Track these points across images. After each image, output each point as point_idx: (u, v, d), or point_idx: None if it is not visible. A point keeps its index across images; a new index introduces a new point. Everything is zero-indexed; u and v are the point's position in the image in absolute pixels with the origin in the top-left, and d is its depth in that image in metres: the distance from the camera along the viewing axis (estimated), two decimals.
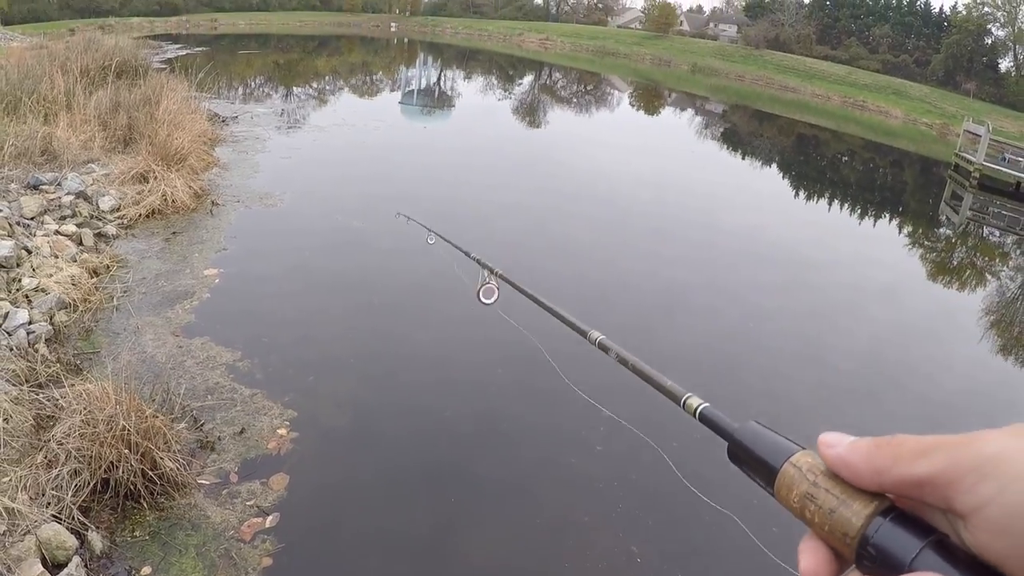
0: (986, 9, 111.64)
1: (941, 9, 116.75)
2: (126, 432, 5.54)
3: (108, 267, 9.86)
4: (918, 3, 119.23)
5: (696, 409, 0.96)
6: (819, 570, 0.72)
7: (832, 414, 9.26)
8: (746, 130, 49.00)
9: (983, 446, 0.60)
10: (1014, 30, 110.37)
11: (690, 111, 54.96)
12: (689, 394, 1.01)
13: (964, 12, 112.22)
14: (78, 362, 7.53)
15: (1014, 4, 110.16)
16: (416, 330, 9.53)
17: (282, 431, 6.86)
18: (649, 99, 59.60)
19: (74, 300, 8.63)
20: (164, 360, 7.71)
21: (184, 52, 46.96)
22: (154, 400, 6.48)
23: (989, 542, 0.58)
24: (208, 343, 8.19)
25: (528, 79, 60.94)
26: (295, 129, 22.13)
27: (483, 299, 2.88)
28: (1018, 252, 26.03)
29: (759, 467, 0.77)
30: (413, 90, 42.98)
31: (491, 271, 2.88)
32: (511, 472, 7.04)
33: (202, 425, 6.73)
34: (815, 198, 27.38)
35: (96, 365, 7.42)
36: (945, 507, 0.63)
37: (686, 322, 11.26)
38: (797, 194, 27.65)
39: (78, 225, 10.74)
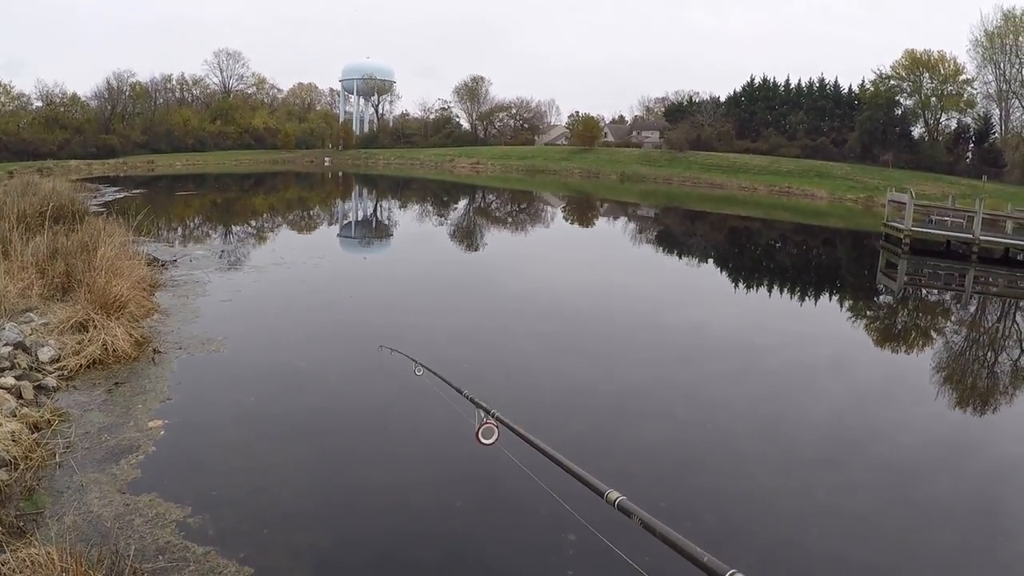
0: (892, 82, 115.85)
1: (850, 88, 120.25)
2: None
3: (49, 421, 9.53)
4: (828, 87, 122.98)
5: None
6: None
7: (799, 487, 9.20)
8: (679, 230, 49.70)
9: None
10: (921, 98, 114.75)
11: (623, 218, 55.85)
12: (733, 571, 0.93)
13: (872, 88, 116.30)
14: (20, 524, 7.17)
15: (917, 73, 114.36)
16: (375, 472, 9.29)
17: None
18: (582, 211, 60.49)
19: (14, 458, 8.29)
20: (111, 520, 7.37)
21: (122, 194, 47.04)
22: (102, 564, 6.14)
23: None
24: (156, 499, 7.86)
25: (462, 203, 61.73)
26: (235, 270, 21.99)
27: (483, 440, 2.76)
28: (958, 306, 26.59)
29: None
30: (351, 222, 43.11)
31: (487, 411, 2.76)
32: None
33: None
34: (754, 286, 27.66)
35: (40, 527, 7.08)
36: None
37: (640, 423, 11.19)
38: (736, 285, 27.92)
39: (16, 378, 10.40)
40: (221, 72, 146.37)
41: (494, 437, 2.63)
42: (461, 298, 20.45)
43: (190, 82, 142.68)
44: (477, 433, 2.68)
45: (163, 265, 20.90)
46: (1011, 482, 10.23)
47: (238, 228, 35.67)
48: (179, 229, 34.03)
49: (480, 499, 8.66)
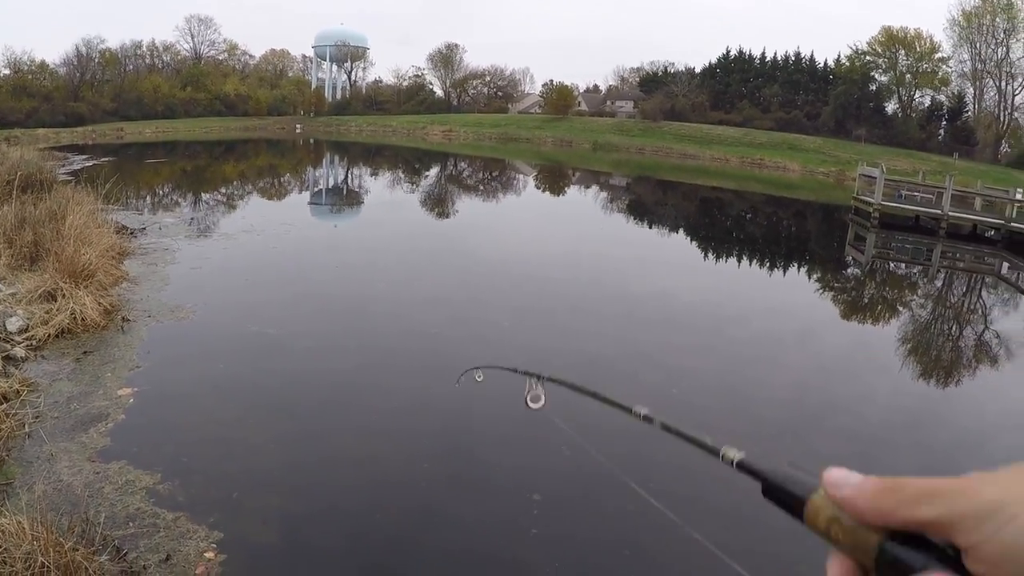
0: (868, 58, 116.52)
1: (826, 63, 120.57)
2: (45, 569, 5.30)
3: (18, 392, 9.47)
4: (804, 60, 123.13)
5: (733, 460, 1.04)
6: None
7: (759, 456, 9.29)
8: (651, 200, 49.85)
9: (980, 492, 0.66)
10: (896, 74, 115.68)
11: (594, 187, 55.81)
12: (726, 447, 1.06)
13: (848, 63, 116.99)
14: None
15: (893, 50, 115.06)
16: (346, 439, 9.34)
17: (209, 554, 6.60)
18: (554, 180, 60.44)
19: None
20: (81, 488, 7.38)
21: (90, 163, 46.46)
22: (73, 532, 6.18)
23: (986, 572, 0.64)
24: (126, 467, 7.87)
25: (434, 170, 61.45)
26: (204, 238, 21.87)
27: (531, 404, 2.78)
28: (924, 280, 26.94)
29: (791, 501, 0.87)
30: (321, 190, 42.93)
31: (539, 377, 2.79)
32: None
33: (125, 555, 6.43)
34: (724, 257, 27.86)
35: (10, 497, 7.09)
36: (946, 542, 0.70)
37: (608, 392, 11.21)
38: (706, 256, 28.12)
39: None
40: (192, 38, 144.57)
41: (541, 402, 2.67)
42: (431, 268, 20.41)
43: (161, 48, 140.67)
44: (526, 399, 2.73)
45: (132, 233, 20.73)
46: (972, 453, 10.42)
47: (208, 196, 35.44)
48: (148, 197, 33.73)
49: (445, 465, 8.73)
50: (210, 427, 9.26)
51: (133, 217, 24.34)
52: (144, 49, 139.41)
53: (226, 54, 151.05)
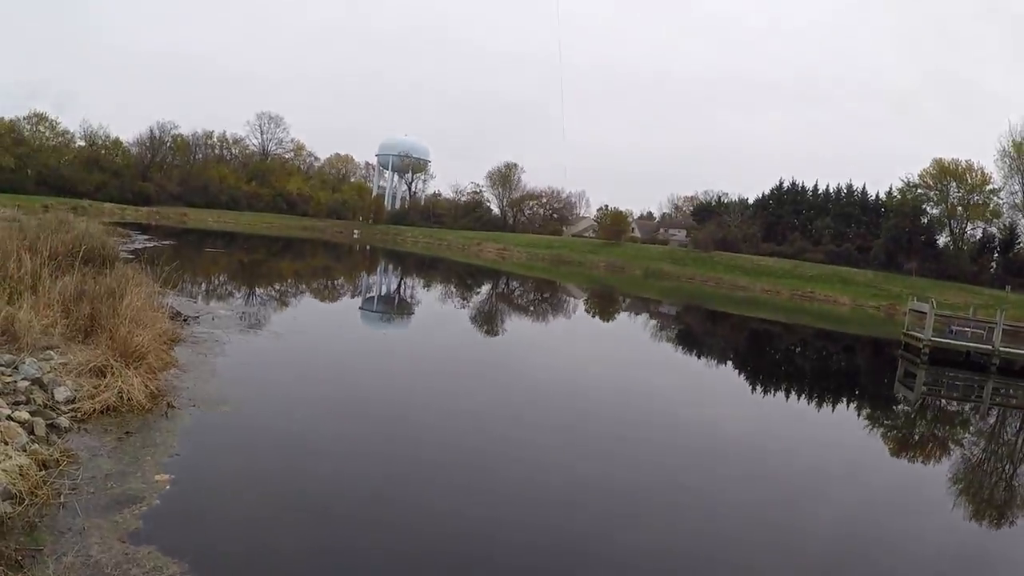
0: (919, 191, 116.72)
1: (877, 196, 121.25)
2: None
3: (58, 461, 9.57)
4: (855, 193, 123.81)
5: None
6: None
7: None
8: (700, 330, 49.67)
9: None
10: (947, 207, 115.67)
11: (644, 314, 55.80)
12: None
13: (899, 196, 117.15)
14: (19, 558, 7.21)
15: (944, 183, 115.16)
16: (375, 541, 9.33)
17: None
18: (604, 304, 60.54)
19: (20, 492, 8.35)
20: (109, 567, 7.39)
21: (152, 243, 47.55)
22: None
23: None
24: (155, 552, 7.86)
25: (486, 287, 61.78)
26: (255, 333, 22.07)
27: None
28: (976, 417, 26.49)
29: None
30: (374, 296, 43.28)
31: None
32: None
33: None
34: (772, 390, 27.59)
35: (37, 563, 7.11)
36: None
37: (647, 526, 11.07)
38: (754, 388, 27.84)
39: (31, 413, 10.50)
40: (262, 134, 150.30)
41: None
42: (476, 384, 20.39)
43: (230, 140, 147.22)
44: None
45: (185, 320, 21.01)
46: None
47: (262, 291, 35.94)
48: (204, 285, 34.35)
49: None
50: (242, 524, 9.28)
51: (188, 304, 24.70)
52: (215, 139, 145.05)
53: (292, 153, 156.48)
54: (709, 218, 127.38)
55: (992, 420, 27.10)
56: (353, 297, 42.21)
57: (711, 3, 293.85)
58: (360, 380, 18.78)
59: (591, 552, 9.73)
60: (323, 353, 21.33)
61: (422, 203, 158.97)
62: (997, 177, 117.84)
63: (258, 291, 35.20)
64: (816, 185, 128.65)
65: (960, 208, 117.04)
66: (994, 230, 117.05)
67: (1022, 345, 39.51)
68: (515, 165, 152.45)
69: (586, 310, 54.97)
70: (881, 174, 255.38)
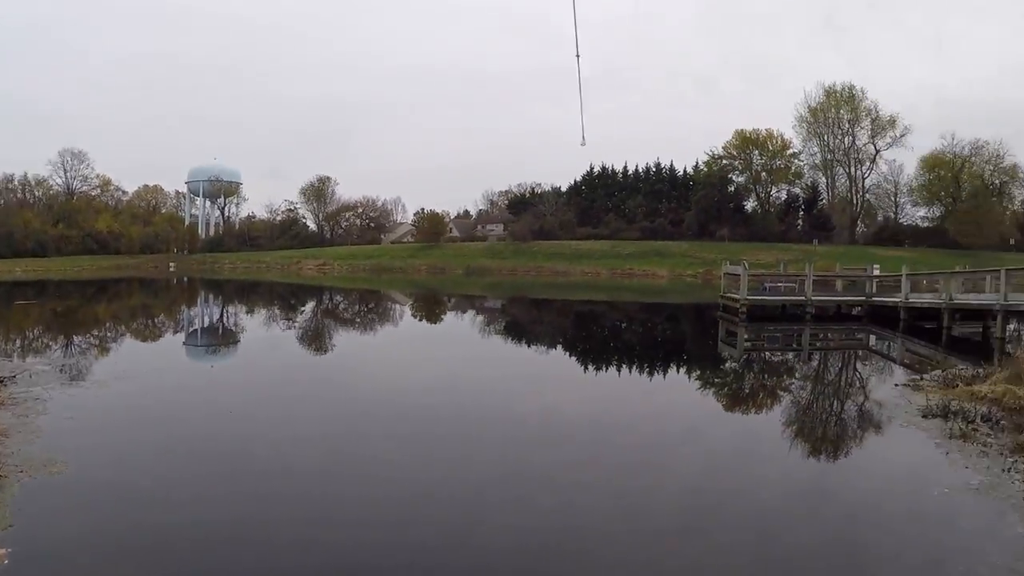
0: (724, 162, 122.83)
1: (685, 171, 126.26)
2: None
3: None
4: (664, 171, 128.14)
5: None
6: None
7: (661, 557, 9.42)
8: (527, 319, 50.48)
9: None
10: (751, 173, 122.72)
11: (471, 311, 56.31)
12: None
13: (706, 169, 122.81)
14: None
15: (747, 151, 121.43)
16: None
17: None
18: (430, 307, 60.86)
19: None
20: None
21: None
22: None
23: None
24: None
25: (310, 305, 61.18)
26: (77, 385, 21.11)
27: None
28: (799, 364, 27.96)
29: None
30: (196, 330, 42.22)
31: None
32: None
33: None
34: (604, 367, 28.25)
35: None
36: None
37: (501, 521, 11.17)
38: (586, 368, 28.45)
39: None
40: (65, 173, 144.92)
41: None
42: (311, 405, 20.08)
43: (33, 183, 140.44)
44: None
45: (1, 382, 20.14)
46: (866, 520, 10.71)
47: (80, 339, 34.47)
48: (18, 341, 32.76)
49: None
50: None
51: (1, 363, 23.61)
52: (16, 183, 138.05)
53: (99, 189, 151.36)
54: (525, 210, 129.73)
55: (814, 363, 28.75)
56: (176, 333, 40.97)
57: (519, 2, 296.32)
58: (194, 418, 18.16)
59: (444, 549, 9.80)
60: (152, 396, 20.63)
61: (237, 227, 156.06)
62: (797, 142, 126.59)
63: (76, 340, 33.80)
64: (626, 167, 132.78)
65: (764, 173, 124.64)
66: (798, 190, 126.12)
67: (831, 292, 42.02)
68: (328, 178, 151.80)
69: (413, 315, 55.16)
70: (690, 151, 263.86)
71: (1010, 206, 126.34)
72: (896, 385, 21.62)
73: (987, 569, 9.00)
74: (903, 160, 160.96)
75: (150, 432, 16.57)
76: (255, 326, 44.54)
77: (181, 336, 39.46)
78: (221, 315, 53.04)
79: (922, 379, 21.76)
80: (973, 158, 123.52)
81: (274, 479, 13.10)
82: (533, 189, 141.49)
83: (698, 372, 26.92)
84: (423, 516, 11.09)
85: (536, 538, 10.22)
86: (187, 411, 19.04)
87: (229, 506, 11.79)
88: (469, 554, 9.78)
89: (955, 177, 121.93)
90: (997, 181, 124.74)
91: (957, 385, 19.49)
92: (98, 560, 9.64)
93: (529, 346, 36.14)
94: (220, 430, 17.09)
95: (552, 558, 9.64)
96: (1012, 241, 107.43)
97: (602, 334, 41.31)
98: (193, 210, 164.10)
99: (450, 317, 53.54)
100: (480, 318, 51.59)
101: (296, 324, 45.52)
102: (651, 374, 26.86)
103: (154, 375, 23.76)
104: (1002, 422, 15.88)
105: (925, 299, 37.48)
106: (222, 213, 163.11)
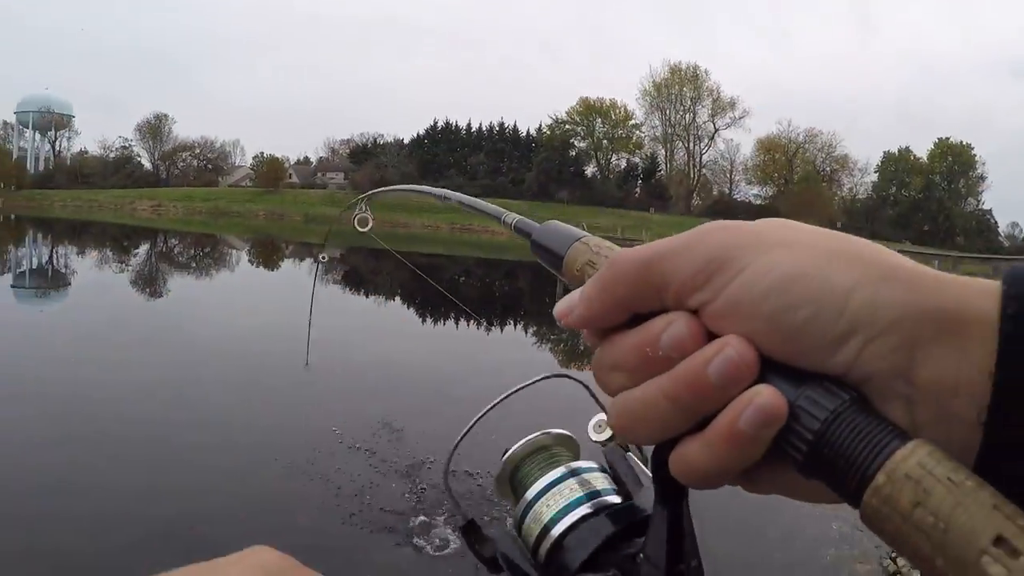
0: (567, 126, 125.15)
1: (528, 132, 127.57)
2: None
3: None
4: (507, 130, 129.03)
5: (512, 223, 1.21)
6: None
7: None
8: (365, 269, 50.47)
9: (703, 246, 0.59)
10: (593, 140, 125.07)
11: (308, 260, 56.02)
12: (506, 213, 1.30)
13: (549, 131, 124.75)
14: None
15: (591, 119, 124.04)
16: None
17: None
18: (267, 253, 60.12)
19: None
20: None
21: None
22: None
23: (722, 327, 0.57)
24: None
25: (144, 248, 59.68)
26: None
27: (359, 228, 3.03)
28: None
29: (551, 254, 0.89)
30: (25, 271, 40.97)
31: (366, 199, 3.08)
32: None
33: None
34: (442, 320, 28.71)
35: None
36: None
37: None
38: (424, 320, 28.93)
39: None
40: None
41: (369, 225, 3.02)
42: (146, 350, 19.88)
43: None
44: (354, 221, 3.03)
45: None
46: None
47: None
48: None
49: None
50: None
51: None
52: None
53: None
54: (367, 159, 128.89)
55: None
56: (2, 274, 39.74)
57: None
58: (23, 362, 17.87)
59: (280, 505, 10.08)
60: None
61: (68, 163, 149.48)
62: (639, 113, 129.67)
63: None
64: (470, 123, 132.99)
65: (605, 141, 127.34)
66: (637, 160, 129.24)
67: None
68: (165, 115, 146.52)
69: (249, 260, 54.61)
70: (533, 113, 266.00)
71: (839, 192, 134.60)
72: None
73: (816, 515, 9.56)
74: (740, 140, 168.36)
75: None
76: (87, 267, 43.45)
77: (8, 277, 38.25)
78: (51, 255, 51.43)
79: None
80: (807, 144, 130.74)
81: (108, 423, 12.95)
82: (375, 140, 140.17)
83: (534, 327, 27.75)
84: (258, 462, 11.37)
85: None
86: (15, 356, 18.64)
87: (63, 452, 11.46)
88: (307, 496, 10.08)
89: (789, 160, 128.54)
90: (828, 168, 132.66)
91: None
92: None
93: (367, 296, 36.44)
94: (51, 379, 16.80)
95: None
96: (839, 224, 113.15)
97: (440, 286, 41.78)
98: (22, 143, 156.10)
99: (287, 264, 53.26)
100: (316, 266, 51.46)
101: (130, 267, 44.57)
102: (490, 327, 27.48)
103: None
104: None
105: None
106: (53, 147, 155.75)
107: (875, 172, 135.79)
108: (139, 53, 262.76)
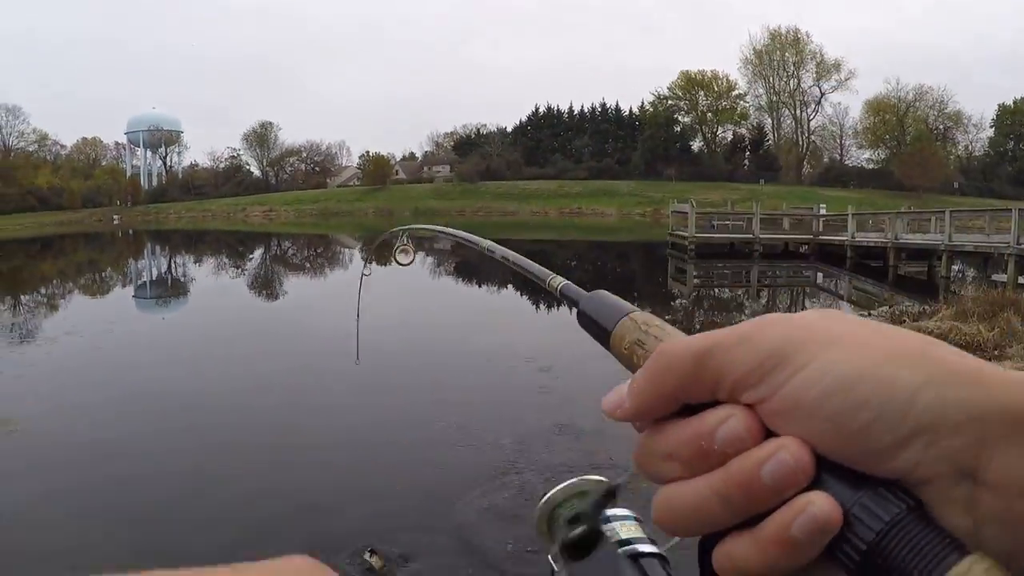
0: (670, 102, 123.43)
1: (631, 111, 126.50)
2: None
3: None
4: (610, 111, 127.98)
5: (557, 288, 1.12)
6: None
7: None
8: (476, 260, 50.36)
9: (763, 339, 0.58)
10: (697, 114, 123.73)
11: (421, 253, 56.11)
12: (552, 277, 1.19)
13: (652, 109, 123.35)
14: None
15: (693, 92, 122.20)
16: (195, 534, 9.15)
17: None
18: (379, 250, 60.21)
19: None
20: None
21: None
22: None
23: (780, 427, 0.57)
24: None
25: (258, 252, 60.63)
26: (26, 343, 20.98)
27: (400, 261, 2.95)
28: (747, 300, 28.39)
29: (597, 326, 0.86)
30: (145, 283, 41.79)
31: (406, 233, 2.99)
32: None
33: None
34: (557, 306, 28.35)
35: None
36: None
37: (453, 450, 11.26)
38: (537, 307, 28.56)
39: None
40: (0, 129, 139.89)
41: (410, 258, 2.87)
42: (266, 352, 19.85)
43: None
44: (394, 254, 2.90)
45: None
46: None
47: (27, 298, 34.01)
48: None
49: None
50: (58, 540, 8.89)
51: None
52: None
53: (36, 145, 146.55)
54: (471, 150, 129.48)
55: (763, 300, 29.11)
56: (124, 287, 40.45)
57: None
58: (147, 370, 17.92)
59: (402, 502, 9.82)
60: (103, 350, 20.38)
61: (180, 177, 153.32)
62: (742, 83, 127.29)
63: (23, 299, 33.38)
64: (571, 107, 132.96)
65: (710, 114, 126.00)
66: (743, 131, 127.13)
67: (778, 230, 42.52)
68: (271, 123, 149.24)
69: (362, 258, 54.95)
70: (633, 91, 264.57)
71: (954, 151, 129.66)
72: None
73: None
74: (848, 103, 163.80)
75: (104, 386, 16.39)
76: (204, 275, 44.22)
77: (130, 289, 39.03)
78: (169, 266, 52.52)
79: (869, 315, 22.12)
80: (917, 103, 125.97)
81: (233, 429, 13.11)
82: (479, 130, 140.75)
83: (649, 308, 27.05)
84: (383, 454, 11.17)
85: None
86: (139, 364, 18.81)
87: (189, 457, 11.64)
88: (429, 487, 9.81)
89: (900, 121, 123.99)
90: (941, 126, 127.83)
91: (904, 321, 19.82)
92: (60, 513, 9.56)
93: (480, 286, 36.24)
94: (175, 382, 16.91)
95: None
96: (956, 185, 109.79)
97: (555, 272, 41.68)
98: (134, 161, 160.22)
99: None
100: (430, 260, 51.58)
101: (245, 272, 45.21)
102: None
103: (104, 329, 23.49)
104: None
105: (871, 238, 38.30)
106: (164, 163, 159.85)
107: (991, 127, 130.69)
108: (241, 63, 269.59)
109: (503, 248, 1.63)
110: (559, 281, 1.15)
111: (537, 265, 1.35)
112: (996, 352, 15.43)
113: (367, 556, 7.19)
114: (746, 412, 0.57)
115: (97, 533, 9.11)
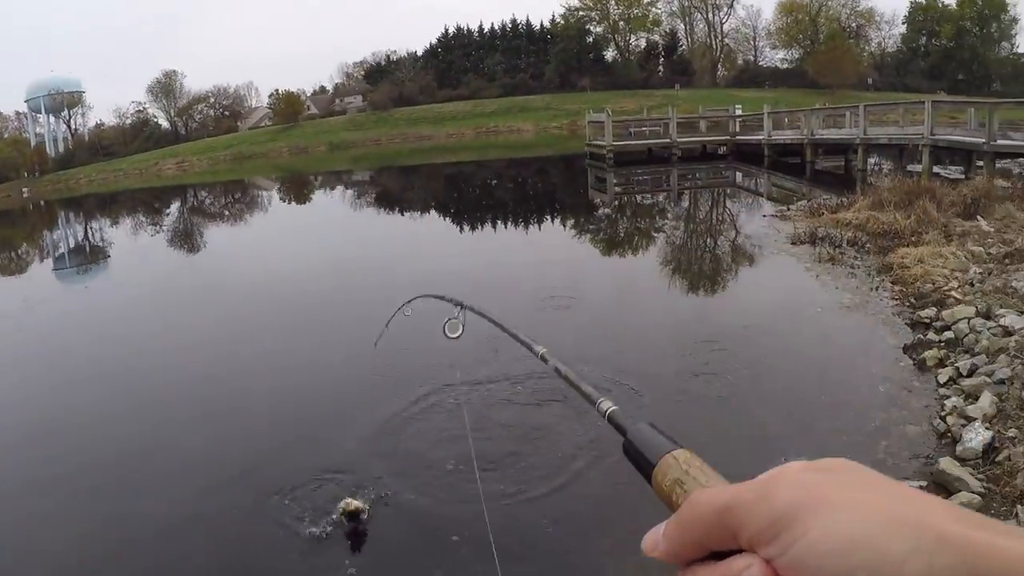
0: (581, 13, 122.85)
1: (542, 25, 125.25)
2: None
3: None
4: (520, 26, 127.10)
5: (605, 412, 1.09)
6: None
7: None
8: (397, 187, 50.24)
9: (775, 498, 0.64)
10: (609, 23, 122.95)
11: (339, 187, 55.76)
12: (602, 399, 1.14)
13: (563, 21, 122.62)
14: None
15: (604, 2, 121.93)
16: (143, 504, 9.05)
17: None
18: (298, 188, 59.93)
19: None
20: None
21: None
22: None
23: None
24: None
25: (175, 207, 59.49)
26: None
27: (448, 334, 2.90)
28: (670, 204, 28.79)
29: (643, 459, 0.88)
30: (64, 252, 40.89)
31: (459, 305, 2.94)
32: None
33: None
34: (480, 225, 28.39)
35: None
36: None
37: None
38: (461, 228, 28.60)
39: None
40: None
41: (459, 332, 2.83)
42: (192, 308, 19.51)
43: None
44: (444, 328, 2.86)
45: None
46: (750, 339, 11.65)
47: None
48: None
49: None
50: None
51: None
52: None
53: None
54: (383, 78, 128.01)
55: (685, 203, 29.57)
56: (43, 260, 39.55)
57: None
58: (79, 342, 17.59)
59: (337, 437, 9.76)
60: (28, 328, 19.90)
61: (87, 139, 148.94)
62: None
63: None
64: (481, 25, 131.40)
65: (622, 23, 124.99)
66: (656, 38, 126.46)
67: (696, 133, 43.06)
68: (175, 72, 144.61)
69: (281, 199, 54.50)
70: (544, 4, 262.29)
71: (867, 47, 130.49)
72: (764, 216, 22.46)
73: (863, 378, 9.60)
74: (760, 5, 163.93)
75: (41, 364, 15.98)
76: (123, 236, 43.35)
77: (49, 262, 38.12)
78: (86, 232, 51.37)
79: (788, 209, 22.53)
80: (829, 1, 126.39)
81: (179, 388, 12.91)
82: (389, 57, 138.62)
83: (573, 220, 27.42)
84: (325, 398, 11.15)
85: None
86: (71, 337, 18.43)
87: (139, 422, 11.40)
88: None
89: (812, 20, 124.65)
90: (854, 24, 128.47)
91: (823, 213, 20.28)
92: (29, 495, 9.29)
93: (403, 213, 36.14)
94: (110, 350, 16.59)
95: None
96: (870, 81, 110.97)
97: (474, 193, 41.72)
98: (38, 130, 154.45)
99: (319, 196, 52.97)
100: (350, 193, 51.26)
101: (164, 228, 44.41)
102: (527, 227, 27.18)
103: (26, 305, 22.88)
104: (867, 245, 16.62)
105: (787, 135, 38.93)
106: (69, 127, 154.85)
107: (903, 23, 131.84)
108: (137, 12, 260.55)
109: (555, 359, 1.58)
110: (607, 405, 1.11)
111: (588, 385, 1.28)
112: (914, 238, 15.84)
113: (344, 505, 7.23)
114: (763, 564, 0.64)
115: (39, 505, 8.93)
